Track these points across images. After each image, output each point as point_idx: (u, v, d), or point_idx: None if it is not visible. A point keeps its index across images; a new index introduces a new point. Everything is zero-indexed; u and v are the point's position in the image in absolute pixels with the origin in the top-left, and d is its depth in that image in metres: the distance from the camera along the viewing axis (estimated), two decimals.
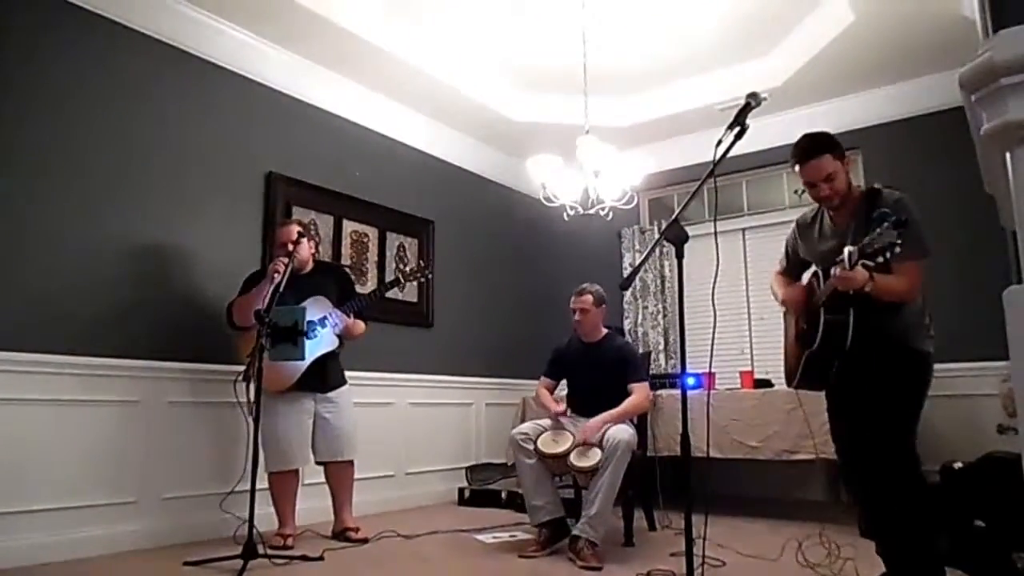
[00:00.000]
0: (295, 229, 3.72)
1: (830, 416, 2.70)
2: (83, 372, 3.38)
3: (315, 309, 3.61)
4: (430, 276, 4.17)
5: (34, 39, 3.38)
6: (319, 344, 3.61)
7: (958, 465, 3.01)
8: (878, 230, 2.10)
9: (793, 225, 2.82)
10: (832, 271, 2.32)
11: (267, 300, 3.30)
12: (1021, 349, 1.06)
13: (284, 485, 3.62)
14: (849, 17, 4.16)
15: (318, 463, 3.75)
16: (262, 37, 4.27)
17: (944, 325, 2.52)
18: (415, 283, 4.81)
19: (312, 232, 4.51)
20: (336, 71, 4.70)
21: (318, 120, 4.72)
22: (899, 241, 2.06)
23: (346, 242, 4.81)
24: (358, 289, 4.17)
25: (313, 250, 3.94)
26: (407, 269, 4.01)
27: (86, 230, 3.49)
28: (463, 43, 4.69)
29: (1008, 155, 1.10)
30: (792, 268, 2.82)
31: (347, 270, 4.19)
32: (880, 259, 2.12)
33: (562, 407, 3.67)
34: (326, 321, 3.65)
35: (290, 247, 3.60)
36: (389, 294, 4.82)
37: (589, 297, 3.74)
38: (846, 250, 2.25)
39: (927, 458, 2.46)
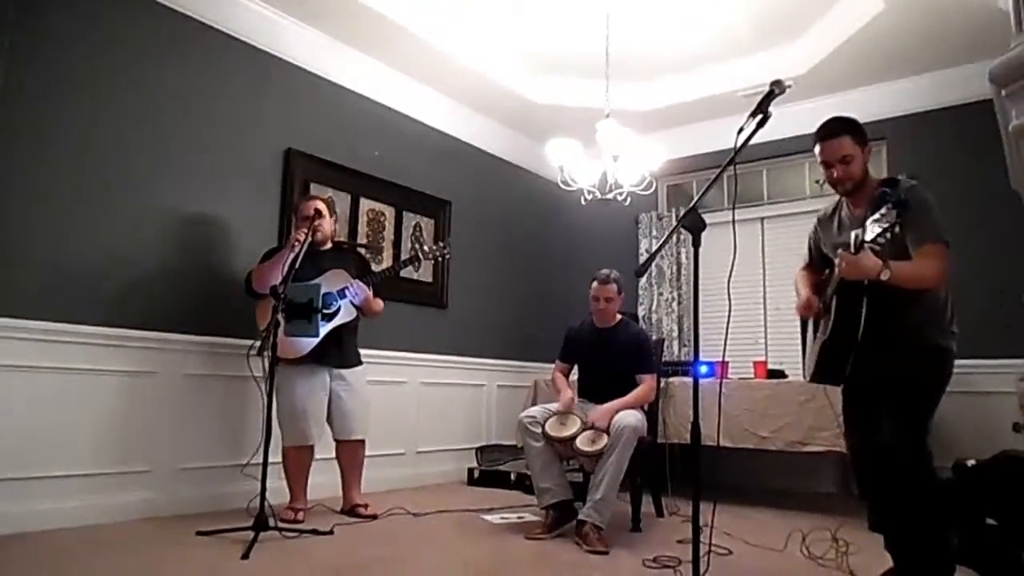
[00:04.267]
0: (312, 205, 3.73)
1: (844, 409, 2.68)
2: (101, 342, 3.43)
3: (333, 281, 3.64)
4: (448, 256, 4.18)
5: (58, 13, 3.39)
6: (337, 316, 3.64)
7: (971, 462, 2.98)
8: (881, 211, 2.08)
9: (814, 220, 2.80)
10: (838, 253, 2.29)
11: (285, 269, 3.32)
12: None
13: (299, 460, 3.66)
14: (879, 5, 4.08)
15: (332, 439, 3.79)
16: (286, 13, 4.26)
17: (962, 321, 2.48)
18: (432, 262, 4.80)
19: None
20: (358, 49, 4.69)
21: (338, 98, 4.71)
22: (899, 220, 2.04)
23: (363, 220, 4.82)
24: (374, 267, 4.19)
25: (334, 227, 3.96)
26: (425, 248, 4.02)
27: (105, 203, 3.52)
28: (486, 24, 4.65)
29: None
30: (815, 264, 2.79)
31: (363, 252, 4.23)
32: (883, 240, 2.10)
33: (570, 398, 3.63)
34: (345, 292, 3.67)
35: (315, 220, 3.62)
36: (404, 274, 4.83)
37: (614, 287, 3.71)
38: (852, 234, 2.22)
39: (940, 454, 2.44)
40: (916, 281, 2.28)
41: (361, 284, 3.71)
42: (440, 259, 4.17)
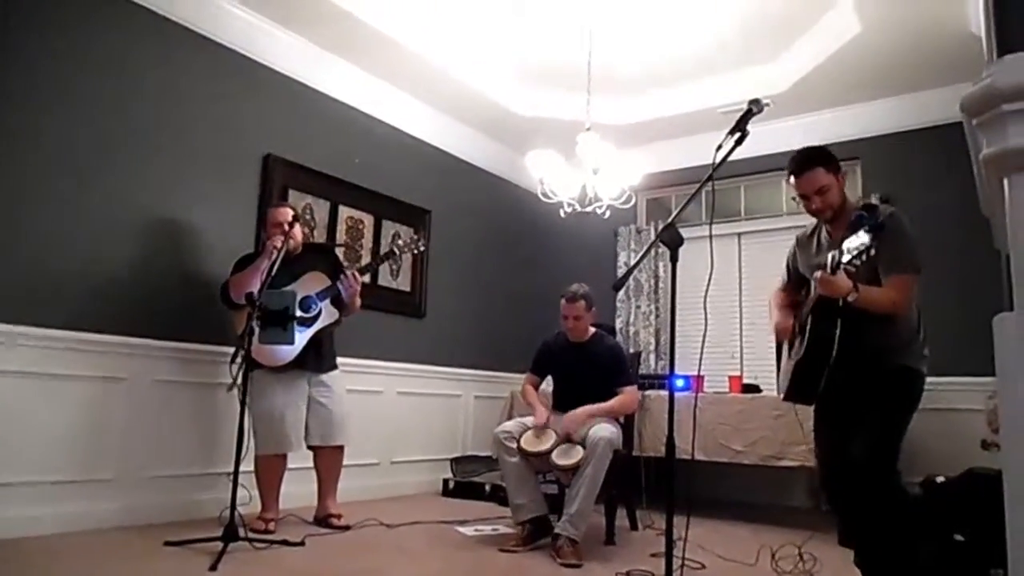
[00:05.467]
0: (289, 211, 3.71)
1: (815, 426, 2.71)
2: (69, 347, 3.36)
3: (312, 284, 3.61)
4: (424, 248, 4.17)
5: (39, 12, 3.35)
6: (319, 319, 3.61)
7: (940, 479, 3.03)
8: (857, 234, 2.13)
9: (793, 241, 2.84)
10: (815, 275, 2.34)
11: (264, 276, 3.29)
12: (1007, 374, 1.06)
13: (272, 469, 3.60)
14: (856, 27, 4.16)
15: (309, 447, 3.74)
16: (268, 19, 4.24)
17: (933, 339, 2.53)
18: (410, 255, 4.72)
19: (307, 217, 4.51)
20: (340, 56, 4.68)
21: (319, 104, 4.69)
22: (873, 243, 2.08)
23: (341, 228, 4.79)
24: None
25: (305, 232, 3.93)
26: (401, 242, 4.00)
27: (78, 204, 3.46)
28: (469, 34, 4.66)
29: (1006, 181, 1.10)
30: (793, 284, 2.83)
31: (335, 251, 4.20)
32: (857, 262, 2.15)
33: (546, 415, 3.57)
34: (325, 293, 3.63)
35: (286, 227, 3.59)
36: (382, 282, 4.79)
37: (582, 304, 3.68)
38: (829, 255, 2.28)
39: (911, 470, 2.47)
40: (877, 307, 2.34)
41: (355, 273, 3.69)
42: (416, 252, 4.14)
